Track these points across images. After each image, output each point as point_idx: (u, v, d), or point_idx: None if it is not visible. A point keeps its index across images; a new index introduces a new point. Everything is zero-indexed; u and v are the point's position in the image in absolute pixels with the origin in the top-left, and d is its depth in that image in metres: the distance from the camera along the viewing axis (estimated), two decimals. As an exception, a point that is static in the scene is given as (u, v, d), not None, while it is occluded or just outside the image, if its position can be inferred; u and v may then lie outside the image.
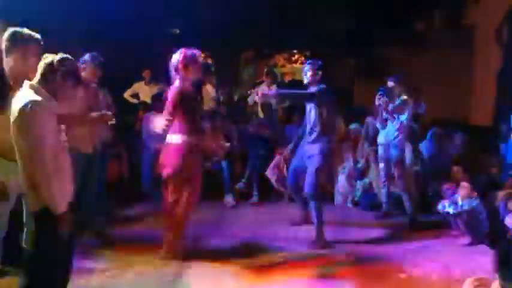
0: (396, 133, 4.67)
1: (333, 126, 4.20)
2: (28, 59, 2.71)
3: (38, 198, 2.28)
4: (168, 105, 3.53)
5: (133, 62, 6.79)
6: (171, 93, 3.56)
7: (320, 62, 4.20)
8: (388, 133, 4.76)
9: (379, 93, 4.65)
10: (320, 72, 4.14)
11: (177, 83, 3.59)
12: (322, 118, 4.09)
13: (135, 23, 6.91)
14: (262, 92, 3.88)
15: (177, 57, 3.57)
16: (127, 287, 3.20)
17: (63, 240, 2.32)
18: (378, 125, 4.91)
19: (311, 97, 4.10)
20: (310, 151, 4.13)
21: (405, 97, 4.69)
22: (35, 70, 2.38)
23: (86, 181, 3.81)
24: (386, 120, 4.76)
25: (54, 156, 2.31)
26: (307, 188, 4.08)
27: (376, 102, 4.69)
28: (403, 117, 4.64)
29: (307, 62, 4.30)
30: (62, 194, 2.33)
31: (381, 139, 4.88)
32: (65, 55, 2.38)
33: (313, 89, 4.10)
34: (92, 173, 3.95)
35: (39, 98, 2.28)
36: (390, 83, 4.75)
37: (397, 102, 4.69)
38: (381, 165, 4.89)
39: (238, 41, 7.77)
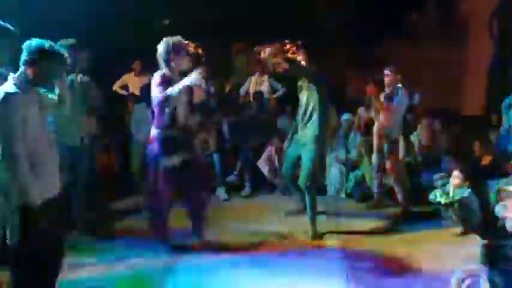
0: (387, 123, 4.62)
1: (324, 112, 4.15)
2: (2, 52, 2.64)
3: (15, 191, 2.25)
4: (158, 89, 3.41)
5: (123, 53, 6.68)
6: (153, 81, 3.46)
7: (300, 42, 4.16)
8: (380, 123, 4.71)
9: (370, 82, 4.64)
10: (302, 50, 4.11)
11: (161, 70, 3.48)
12: (314, 104, 4.05)
13: (124, 13, 6.80)
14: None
15: (162, 47, 3.48)
16: (118, 280, 3.17)
17: (45, 233, 2.28)
18: (372, 115, 4.89)
19: (309, 72, 4.06)
20: (304, 139, 4.10)
21: (399, 85, 4.65)
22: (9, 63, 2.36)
23: (75, 174, 3.76)
24: (379, 110, 4.70)
25: (32, 148, 2.28)
26: (302, 180, 4.04)
27: (368, 92, 4.67)
28: (393, 106, 4.57)
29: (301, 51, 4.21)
30: (39, 187, 2.29)
31: (375, 129, 4.83)
32: (42, 42, 2.33)
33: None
34: (81, 166, 3.90)
35: (12, 90, 2.24)
36: (386, 71, 4.69)
37: (388, 91, 4.66)
38: (374, 155, 4.88)
39: (229, 31, 7.69)
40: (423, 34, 8.58)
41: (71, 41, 3.76)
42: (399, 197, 4.69)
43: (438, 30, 8.60)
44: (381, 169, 4.83)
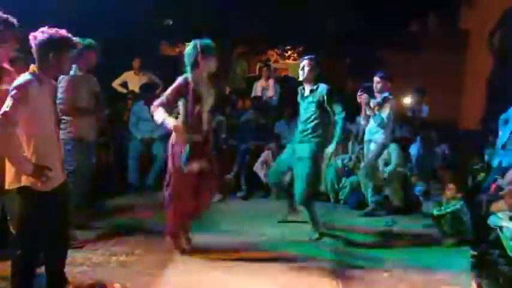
0: (376, 129, 4.71)
1: (325, 128, 4.14)
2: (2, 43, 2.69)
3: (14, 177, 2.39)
4: (168, 92, 3.43)
5: (123, 50, 6.71)
6: (177, 81, 3.45)
7: (317, 58, 4.10)
8: (370, 130, 4.82)
9: (360, 90, 4.66)
10: (318, 69, 4.06)
11: (187, 74, 3.45)
12: (319, 118, 4.02)
13: (126, 12, 6.82)
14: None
15: (190, 49, 3.44)
16: (109, 276, 3.17)
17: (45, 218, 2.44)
18: (361, 122, 4.95)
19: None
20: (300, 152, 4.03)
21: (387, 94, 4.74)
22: (8, 54, 2.47)
23: (82, 170, 3.77)
24: (369, 116, 4.78)
25: (42, 138, 2.40)
26: (298, 196, 4.02)
27: (358, 100, 4.70)
28: (384, 114, 4.66)
29: (305, 57, 4.15)
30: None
31: (365, 136, 4.93)
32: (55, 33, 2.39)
33: (311, 87, 4.05)
34: (88, 162, 3.93)
35: (28, 79, 2.29)
36: (376, 79, 4.78)
37: (378, 99, 4.73)
38: (363, 162, 4.96)
39: (230, 34, 7.73)
40: (424, 45, 8.64)
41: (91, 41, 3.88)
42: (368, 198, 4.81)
43: (440, 40, 8.66)
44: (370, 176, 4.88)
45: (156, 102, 3.43)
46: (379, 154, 4.85)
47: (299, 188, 4.01)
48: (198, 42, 3.44)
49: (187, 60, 3.45)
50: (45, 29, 2.40)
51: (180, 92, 3.42)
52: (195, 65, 3.41)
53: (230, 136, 6.05)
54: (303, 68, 4.08)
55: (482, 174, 5.25)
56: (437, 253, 3.90)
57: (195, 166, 3.42)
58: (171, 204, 3.51)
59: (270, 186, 4.36)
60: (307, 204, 4.07)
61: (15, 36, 2.75)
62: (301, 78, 4.14)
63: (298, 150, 4.07)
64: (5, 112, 2.24)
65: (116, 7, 6.52)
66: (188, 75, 3.46)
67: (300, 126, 4.12)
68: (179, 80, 3.46)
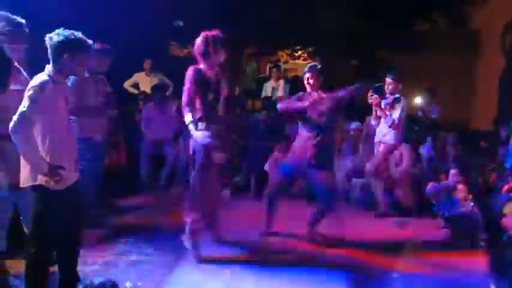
0: (387, 130, 4.69)
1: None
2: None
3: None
4: (184, 89, 3.41)
5: (134, 52, 6.76)
6: (187, 75, 3.42)
7: (318, 65, 3.97)
8: (380, 131, 4.80)
9: (371, 90, 4.59)
10: (322, 77, 3.93)
11: (198, 66, 3.45)
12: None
13: (137, 13, 6.88)
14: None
15: (200, 41, 3.42)
16: (120, 275, 3.19)
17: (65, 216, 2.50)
18: (372, 122, 4.92)
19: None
20: (319, 158, 3.86)
21: (398, 95, 4.71)
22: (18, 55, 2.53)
23: (90, 169, 3.81)
24: (380, 117, 4.74)
25: (56, 139, 2.44)
26: (329, 205, 3.93)
27: (369, 100, 4.63)
28: (395, 115, 4.63)
29: (306, 69, 3.98)
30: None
31: (376, 137, 4.91)
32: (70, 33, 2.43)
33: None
34: (97, 162, 3.97)
35: (45, 80, 2.35)
36: (388, 79, 4.75)
37: (389, 100, 4.71)
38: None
39: (241, 34, 7.74)
40: (435, 45, 8.58)
41: (104, 44, 3.97)
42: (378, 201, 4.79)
43: (450, 40, 8.59)
44: (381, 176, 4.87)
45: (184, 105, 3.39)
46: (388, 155, 4.83)
47: (330, 195, 3.90)
48: (208, 33, 3.43)
49: (198, 53, 3.44)
50: (60, 30, 2.44)
51: (197, 83, 3.39)
52: (206, 56, 3.42)
53: (240, 136, 6.06)
54: (308, 81, 3.94)
55: (495, 175, 5.19)
56: (449, 254, 3.86)
57: (218, 155, 3.43)
58: (194, 197, 3.51)
59: (272, 190, 4.13)
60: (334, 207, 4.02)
61: (24, 36, 2.79)
62: (309, 91, 3.97)
63: (314, 155, 3.88)
64: (22, 112, 2.29)
65: (126, 8, 6.57)
66: (199, 66, 3.45)
67: (313, 131, 3.92)
68: (191, 72, 3.42)
